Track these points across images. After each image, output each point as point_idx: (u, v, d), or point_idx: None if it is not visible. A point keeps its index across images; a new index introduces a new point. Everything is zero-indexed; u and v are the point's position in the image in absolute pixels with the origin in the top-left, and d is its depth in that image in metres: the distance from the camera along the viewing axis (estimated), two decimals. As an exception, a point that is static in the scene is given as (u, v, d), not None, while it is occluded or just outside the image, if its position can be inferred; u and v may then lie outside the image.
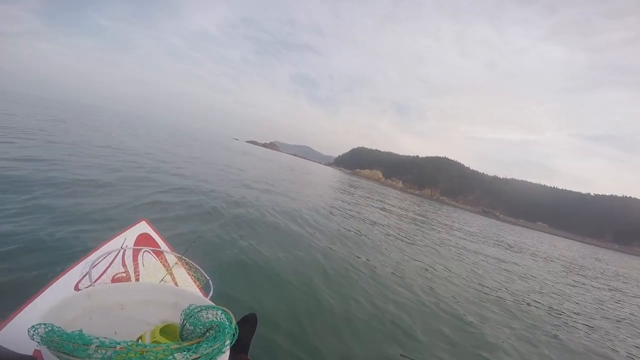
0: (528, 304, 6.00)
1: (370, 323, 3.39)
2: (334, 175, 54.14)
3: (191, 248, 2.00)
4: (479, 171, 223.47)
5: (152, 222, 2.15)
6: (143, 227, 2.12)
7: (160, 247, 1.99)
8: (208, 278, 1.76)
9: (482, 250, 11.52)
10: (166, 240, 2.09)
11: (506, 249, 14.99)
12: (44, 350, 0.64)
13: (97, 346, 0.62)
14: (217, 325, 0.80)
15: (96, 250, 1.73)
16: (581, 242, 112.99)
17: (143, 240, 1.99)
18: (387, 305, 3.99)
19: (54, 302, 0.84)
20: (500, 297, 5.88)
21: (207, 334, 0.80)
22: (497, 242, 16.81)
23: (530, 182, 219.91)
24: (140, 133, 20.69)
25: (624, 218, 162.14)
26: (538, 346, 4.14)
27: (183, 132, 44.32)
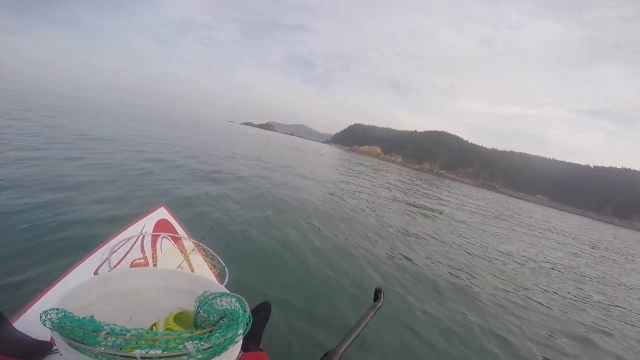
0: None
1: (391, 313, 3.26)
2: (334, 152, 53.75)
3: (209, 234, 1.98)
4: (478, 144, 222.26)
5: (171, 208, 2.13)
6: (162, 213, 2.11)
7: (178, 233, 1.98)
8: (224, 265, 1.74)
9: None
10: (184, 226, 2.08)
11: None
12: (55, 336, 0.62)
13: (107, 333, 0.60)
14: (230, 313, 0.77)
15: (116, 236, 1.73)
16: (581, 215, 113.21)
17: (162, 226, 1.99)
18: (408, 294, 3.86)
19: (69, 287, 0.82)
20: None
21: (221, 321, 0.77)
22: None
23: (530, 155, 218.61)
24: (145, 126, 20.23)
25: (623, 191, 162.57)
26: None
27: (179, 118, 43.39)
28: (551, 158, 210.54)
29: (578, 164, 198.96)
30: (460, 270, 5.24)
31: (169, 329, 0.87)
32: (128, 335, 0.60)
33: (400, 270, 4.50)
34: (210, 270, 1.77)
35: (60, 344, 0.62)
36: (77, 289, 0.84)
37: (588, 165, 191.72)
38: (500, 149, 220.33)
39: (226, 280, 1.61)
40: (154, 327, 0.91)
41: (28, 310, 1.12)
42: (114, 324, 0.62)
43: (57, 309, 0.66)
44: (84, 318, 0.63)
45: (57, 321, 0.63)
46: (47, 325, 0.63)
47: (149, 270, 1.09)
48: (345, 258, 4.40)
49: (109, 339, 0.60)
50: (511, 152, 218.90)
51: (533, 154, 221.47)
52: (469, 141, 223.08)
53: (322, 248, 4.52)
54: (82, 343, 0.59)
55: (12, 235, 2.69)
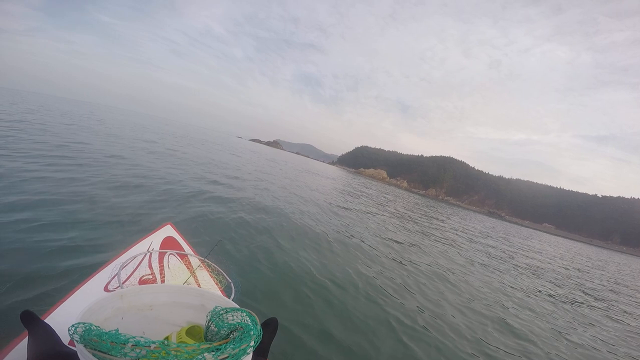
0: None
1: (393, 330, 3.37)
2: (339, 175, 54.03)
3: (213, 251, 2.02)
4: (484, 171, 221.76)
5: (177, 225, 2.18)
6: (168, 231, 2.16)
7: (184, 250, 2.02)
8: (230, 281, 1.79)
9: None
10: (190, 243, 2.13)
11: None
12: (80, 348, 0.66)
13: (132, 345, 0.65)
14: (241, 327, 0.82)
15: (124, 253, 1.77)
16: (589, 244, 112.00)
17: (168, 243, 2.03)
18: (418, 313, 3.96)
19: (90, 303, 0.87)
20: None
21: (231, 335, 0.82)
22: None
23: (536, 183, 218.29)
24: (149, 137, 20.72)
25: (631, 220, 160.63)
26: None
27: (186, 131, 44.32)
28: (558, 187, 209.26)
29: (586, 193, 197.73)
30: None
31: (182, 342, 0.91)
32: (153, 346, 0.65)
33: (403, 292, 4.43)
34: (216, 286, 1.81)
35: (86, 356, 0.65)
36: (96, 304, 0.89)
37: (596, 194, 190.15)
38: (507, 177, 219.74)
39: (232, 296, 1.65)
40: (166, 340, 0.95)
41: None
42: (140, 336, 0.67)
43: (84, 323, 0.71)
44: (109, 331, 0.68)
45: (84, 334, 0.67)
46: (75, 338, 0.67)
47: (163, 286, 1.15)
48: (350, 281, 4.39)
49: (135, 350, 0.64)
50: (517, 180, 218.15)
51: (539, 182, 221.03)
52: (476, 167, 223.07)
53: (323, 270, 4.51)
54: (108, 354, 0.64)
55: (24, 251, 2.77)
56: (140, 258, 1.73)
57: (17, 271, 2.42)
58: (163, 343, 0.66)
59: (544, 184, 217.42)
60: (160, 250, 1.88)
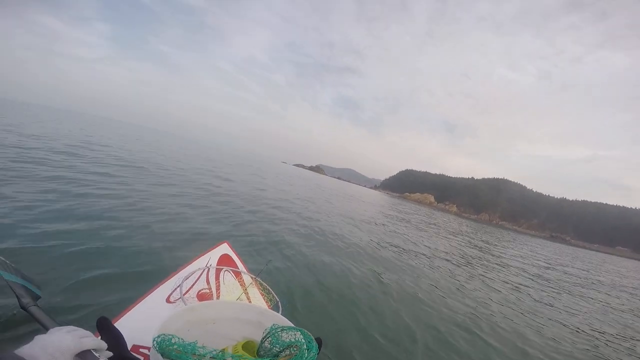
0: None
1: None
2: (383, 200, 52.93)
3: (264, 270, 2.10)
4: (544, 193, 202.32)
5: (233, 244, 2.32)
6: (225, 249, 2.30)
7: (238, 268, 2.12)
8: (278, 300, 1.84)
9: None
10: (244, 261, 2.23)
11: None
12: (156, 356, 0.72)
13: (211, 357, 0.70)
14: (296, 346, 0.85)
15: (185, 267, 1.91)
16: None
17: (224, 260, 2.16)
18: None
19: (167, 315, 0.95)
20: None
21: (283, 353, 0.86)
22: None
23: (606, 204, 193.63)
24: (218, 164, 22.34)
25: None
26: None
27: (239, 158, 47.08)
28: (632, 207, 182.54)
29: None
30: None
31: (241, 354, 0.97)
32: (229, 358, 0.70)
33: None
34: (265, 303, 1.86)
35: None
36: (173, 316, 0.98)
37: None
38: (570, 199, 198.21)
39: (279, 314, 1.69)
40: (234, 353, 1.01)
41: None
42: (214, 349, 0.73)
43: (165, 334, 0.77)
44: (190, 343, 0.74)
45: (161, 344, 0.74)
46: (156, 348, 0.73)
47: (226, 302, 1.23)
48: (399, 310, 4.19)
49: None
50: (583, 202, 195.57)
51: (610, 203, 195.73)
52: (534, 189, 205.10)
53: (371, 295, 4.39)
54: None
55: (99, 262, 3.08)
56: (199, 273, 1.85)
57: (89, 278, 2.70)
58: (240, 356, 0.74)
59: (614, 204, 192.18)
60: (217, 267, 1.99)
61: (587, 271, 18.18)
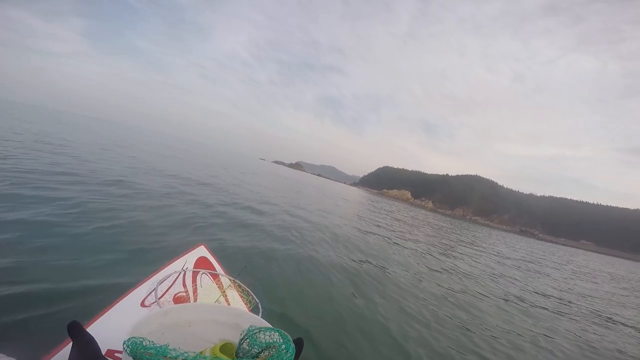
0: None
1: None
2: (362, 196, 53.60)
3: (243, 272, 2.08)
4: (514, 189, 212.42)
5: (209, 246, 2.28)
6: (202, 251, 2.26)
7: (216, 270, 2.09)
8: (258, 301, 1.83)
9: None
10: (221, 263, 2.21)
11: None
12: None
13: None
14: (274, 347, 0.84)
15: (160, 270, 1.86)
16: (634, 260, 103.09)
17: (201, 263, 2.12)
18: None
19: (139, 318, 0.93)
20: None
21: (262, 354, 0.85)
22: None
23: (571, 200, 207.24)
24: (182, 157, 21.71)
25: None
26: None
27: (214, 155, 46.03)
28: (595, 203, 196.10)
29: (626, 208, 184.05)
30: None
31: (215, 358, 0.95)
32: None
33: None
34: (245, 306, 1.84)
35: None
36: (145, 319, 0.95)
37: (638, 209, 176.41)
38: (538, 194, 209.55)
39: (259, 316, 1.68)
40: (202, 355, 0.99)
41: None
42: (187, 352, 0.71)
43: (136, 337, 0.75)
44: (161, 346, 0.72)
45: (133, 347, 0.72)
46: (128, 351, 0.71)
47: (203, 305, 1.21)
48: (377, 307, 4.28)
49: None
50: (550, 197, 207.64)
51: (575, 199, 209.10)
52: (505, 186, 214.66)
53: (351, 292, 4.46)
54: None
55: (68, 266, 2.97)
56: (175, 276, 1.81)
57: (61, 284, 2.60)
58: (207, 357, 0.71)
59: (579, 200, 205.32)
60: (194, 270, 1.95)
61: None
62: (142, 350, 0.71)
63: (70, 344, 0.92)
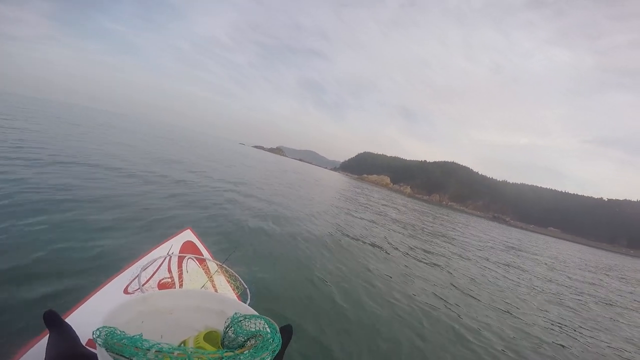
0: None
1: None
2: (344, 182, 54.01)
3: (231, 257, 2.04)
4: (488, 176, 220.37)
5: (196, 230, 2.21)
6: (188, 235, 2.18)
7: (203, 255, 2.03)
8: (246, 287, 1.79)
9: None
10: (208, 248, 2.15)
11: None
12: (102, 352, 0.65)
13: (156, 351, 0.63)
14: (260, 335, 0.81)
15: (144, 256, 1.79)
16: (595, 247, 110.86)
17: (188, 247, 2.05)
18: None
19: (113, 305, 0.87)
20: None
21: (248, 342, 0.80)
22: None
23: (541, 187, 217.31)
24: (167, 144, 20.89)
25: (637, 223, 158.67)
26: None
27: (192, 139, 44.68)
28: (563, 191, 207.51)
29: (591, 196, 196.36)
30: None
31: (199, 346, 0.89)
32: (176, 353, 0.63)
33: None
34: (232, 291, 1.81)
35: (106, 359, 0.64)
36: (120, 306, 0.88)
37: (602, 198, 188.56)
38: (511, 182, 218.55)
39: (248, 301, 1.63)
40: (182, 344, 0.92)
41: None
42: (165, 343, 0.66)
43: (108, 327, 0.70)
44: (134, 336, 0.67)
45: (107, 338, 0.66)
46: (99, 342, 0.66)
47: (185, 291, 1.15)
48: (361, 289, 4.38)
49: (159, 356, 0.62)
50: (522, 185, 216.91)
51: (544, 187, 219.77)
52: (480, 172, 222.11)
53: (337, 277, 4.52)
54: (131, 359, 0.63)
55: (46, 250, 2.84)
56: (160, 261, 1.74)
57: (38, 270, 2.49)
58: (188, 351, 0.65)
59: (549, 188, 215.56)
60: (180, 255, 1.89)
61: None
62: (112, 340, 0.66)
63: (48, 335, 0.86)
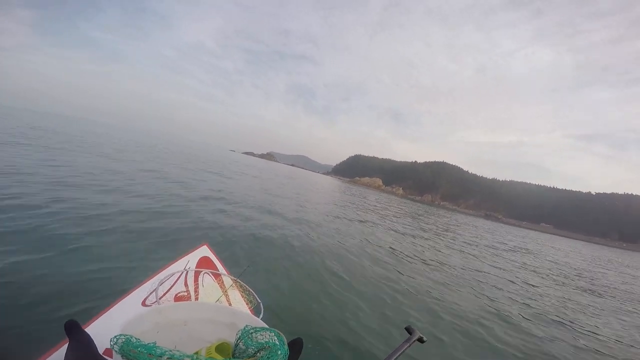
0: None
1: None
2: (336, 185, 54.01)
3: (245, 272, 2.09)
4: (478, 174, 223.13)
5: (212, 246, 2.27)
6: (204, 251, 2.23)
7: (218, 270, 2.08)
8: (259, 301, 1.83)
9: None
10: (224, 263, 2.19)
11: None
12: (118, 359, 0.71)
13: (168, 358, 0.69)
14: (269, 346, 0.86)
15: (162, 270, 1.83)
16: (588, 242, 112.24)
17: (204, 263, 2.10)
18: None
19: (131, 316, 0.93)
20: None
21: (259, 354, 0.85)
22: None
23: (530, 184, 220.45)
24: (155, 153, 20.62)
25: (627, 216, 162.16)
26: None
27: (183, 148, 44.24)
28: (551, 186, 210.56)
29: (579, 191, 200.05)
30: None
31: (211, 357, 0.94)
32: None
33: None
34: (246, 305, 1.85)
35: None
36: (136, 317, 0.95)
37: (590, 192, 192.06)
38: (500, 179, 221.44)
39: (261, 315, 1.67)
40: (196, 354, 1.00)
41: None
42: (177, 350, 0.71)
43: (124, 335, 0.76)
44: (148, 344, 0.73)
45: (124, 346, 0.72)
46: (115, 349, 0.71)
47: (198, 304, 1.20)
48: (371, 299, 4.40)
49: None
50: (512, 182, 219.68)
51: (533, 183, 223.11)
52: (469, 171, 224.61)
53: (348, 290, 4.50)
54: None
55: (72, 266, 2.97)
56: (177, 276, 1.78)
57: (63, 281, 2.63)
58: (197, 357, 0.71)
59: (537, 184, 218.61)
60: (196, 269, 1.93)
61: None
62: (128, 348, 0.72)
63: (67, 343, 0.91)
